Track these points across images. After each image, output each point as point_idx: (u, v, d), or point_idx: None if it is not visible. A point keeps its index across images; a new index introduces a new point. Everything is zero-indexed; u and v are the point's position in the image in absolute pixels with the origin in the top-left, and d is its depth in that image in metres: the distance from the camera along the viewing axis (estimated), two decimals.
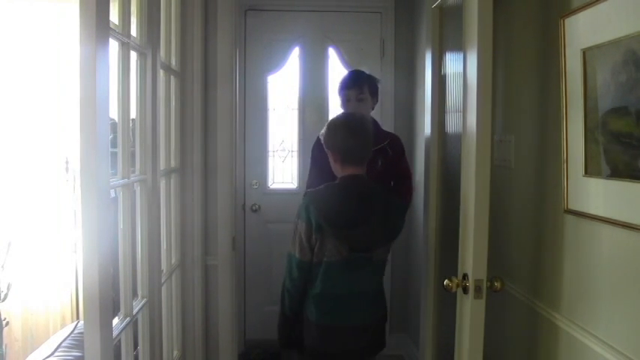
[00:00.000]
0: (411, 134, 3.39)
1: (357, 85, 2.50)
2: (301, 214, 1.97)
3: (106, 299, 1.25)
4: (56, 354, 1.72)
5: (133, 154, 1.66)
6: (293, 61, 3.55)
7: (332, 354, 2.03)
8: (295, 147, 3.62)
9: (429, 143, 2.72)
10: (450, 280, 1.63)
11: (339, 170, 2.06)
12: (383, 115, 3.48)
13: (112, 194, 1.48)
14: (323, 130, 2.12)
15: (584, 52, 1.35)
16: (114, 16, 1.43)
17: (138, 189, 1.72)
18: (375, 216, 1.97)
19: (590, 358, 1.35)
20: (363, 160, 2.04)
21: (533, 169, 1.74)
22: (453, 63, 2.47)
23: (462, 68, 1.67)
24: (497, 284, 1.58)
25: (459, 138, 1.97)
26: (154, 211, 1.80)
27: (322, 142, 2.11)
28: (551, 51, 1.53)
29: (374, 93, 2.55)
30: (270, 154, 3.62)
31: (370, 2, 3.51)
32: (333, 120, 2.12)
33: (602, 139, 1.30)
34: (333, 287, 1.98)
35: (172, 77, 2.16)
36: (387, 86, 3.49)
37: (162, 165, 1.95)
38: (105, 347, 1.24)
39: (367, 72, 2.63)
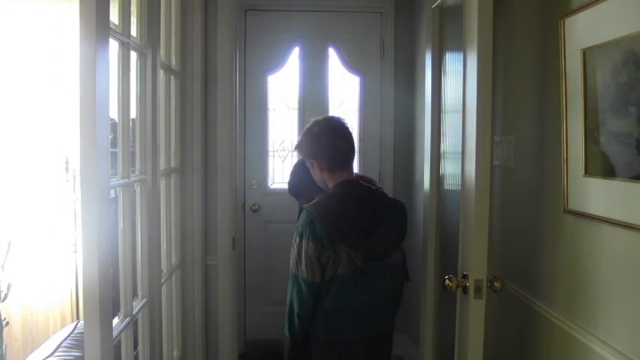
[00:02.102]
0: (411, 134, 3.39)
1: None
2: (305, 232, 1.76)
3: (106, 299, 1.25)
4: (56, 354, 1.72)
5: (133, 154, 1.66)
6: (293, 61, 3.55)
7: None
8: None
9: (428, 143, 2.72)
10: (450, 280, 1.63)
11: (327, 179, 1.90)
12: (383, 115, 3.48)
13: (112, 194, 1.48)
14: (296, 141, 1.98)
15: (584, 52, 1.35)
16: (114, 16, 1.43)
17: (138, 189, 1.72)
18: (385, 219, 1.84)
19: (589, 357, 1.35)
20: (351, 163, 1.92)
21: (533, 169, 1.74)
22: (452, 63, 2.47)
23: (462, 68, 1.67)
24: (497, 284, 1.58)
25: (458, 138, 1.96)
26: (153, 211, 1.80)
27: (300, 152, 1.97)
28: (551, 51, 1.53)
29: None
30: (270, 154, 3.62)
31: (370, 2, 3.51)
32: (314, 126, 1.93)
33: (602, 139, 1.30)
34: (347, 300, 1.81)
35: (172, 77, 2.16)
36: (387, 86, 3.49)
37: (162, 165, 1.95)
38: (105, 347, 1.24)
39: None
